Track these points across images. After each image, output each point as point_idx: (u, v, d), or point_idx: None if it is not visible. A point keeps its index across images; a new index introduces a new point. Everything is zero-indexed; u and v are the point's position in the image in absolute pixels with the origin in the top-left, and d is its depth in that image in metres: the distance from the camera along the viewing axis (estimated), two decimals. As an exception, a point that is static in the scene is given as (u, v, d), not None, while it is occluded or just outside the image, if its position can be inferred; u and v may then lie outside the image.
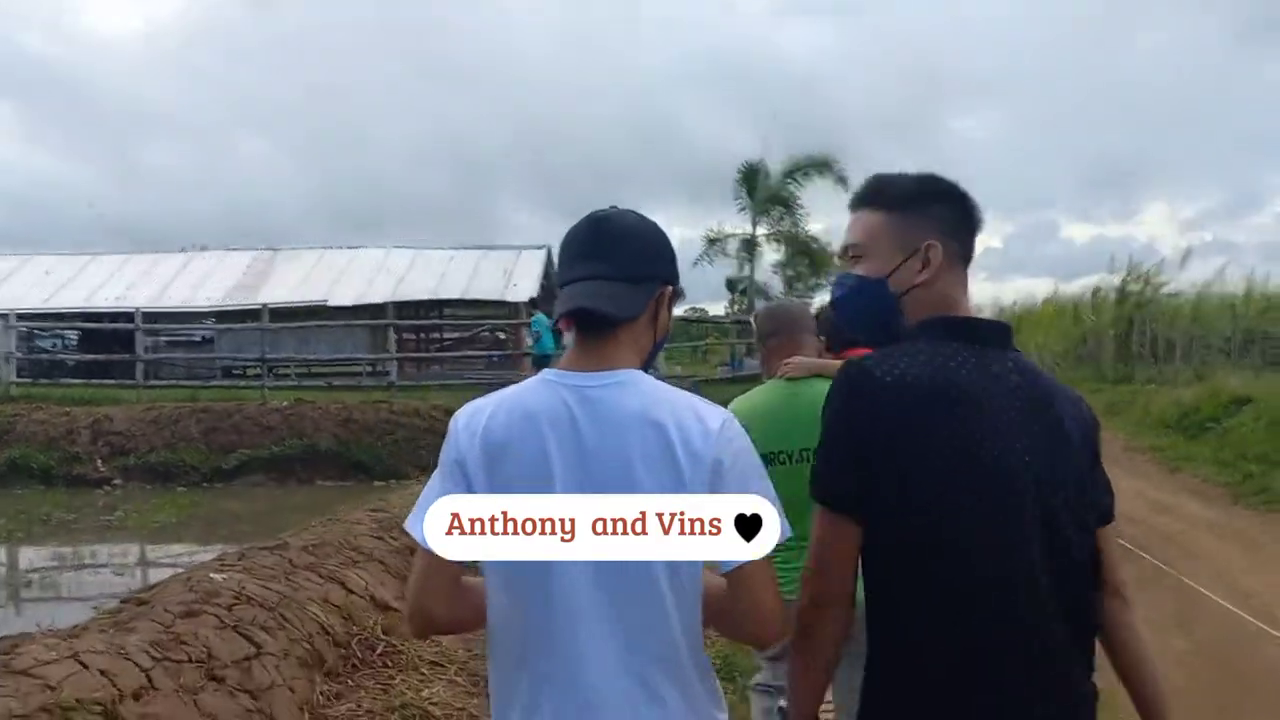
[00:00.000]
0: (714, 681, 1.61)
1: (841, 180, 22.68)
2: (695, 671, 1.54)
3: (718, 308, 32.10)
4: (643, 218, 1.66)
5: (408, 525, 1.55)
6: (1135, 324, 26.18)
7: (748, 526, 1.46)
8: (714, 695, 1.59)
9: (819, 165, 22.68)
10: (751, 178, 22.88)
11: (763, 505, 1.48)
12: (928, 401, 1.52)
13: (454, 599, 1.57)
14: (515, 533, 1.46)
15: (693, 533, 1.45)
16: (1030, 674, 1.50)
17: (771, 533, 1.48)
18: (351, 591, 4.54)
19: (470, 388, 18.83)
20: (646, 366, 1.62)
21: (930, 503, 1.49)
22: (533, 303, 20.57)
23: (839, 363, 3.05)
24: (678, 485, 1.46)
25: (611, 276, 1.56)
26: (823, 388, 2.89)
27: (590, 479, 1.47)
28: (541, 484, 1.48)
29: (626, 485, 1.46)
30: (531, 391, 1.55)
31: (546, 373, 1.57)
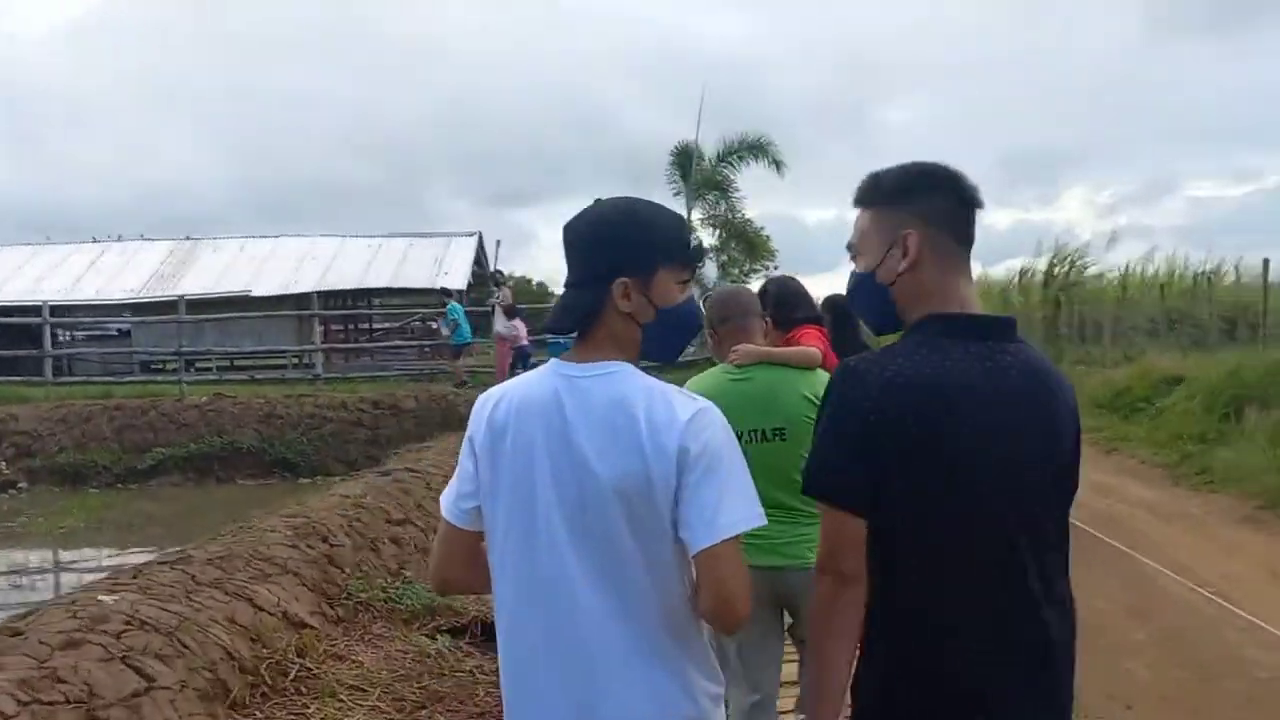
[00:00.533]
0: (705, 656, 1.68)
1: (776, 164, 22.47)
2: (679, 646, 1.61)
3: None
4: (613, 207, 1.72)
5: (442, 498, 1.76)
6: (1062, 306, 26.48)
7: (713, 511, 1.53)
8: (704, 670, 1.66)
9: (753, 148, 22.25)
10: (685, 161, 22.30)
11: (731, 492, 1.56)
12: (923, 400, 1.55)
13: (468, 565, 1.74)
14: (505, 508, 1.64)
15: (658, 516, 1.56)
16: (1025, 665, 1.59)
17: (736, 519, 1.55)
18: (261, 609, 4.12)
19: (400, 379, 18.27)
20: (658, 354, 1.71)
21: (930, 489, 1.55)
22: (443, 290, 19.89)
23: (784, 350, 3.25)
24: (642, 470, 1.54)
25: (574, 284, 1.69)
26: (768, 375, 3.06)
27: (569, 462, 1.59)
28: (526, 465, 1.61)
29: (596, 469, 1.57)
30: (534, 380, 1.69)
31: (553, 362, 1.68)
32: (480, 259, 25.91)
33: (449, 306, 17.13)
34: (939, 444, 1.54)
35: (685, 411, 1.57)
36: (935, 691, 1.58)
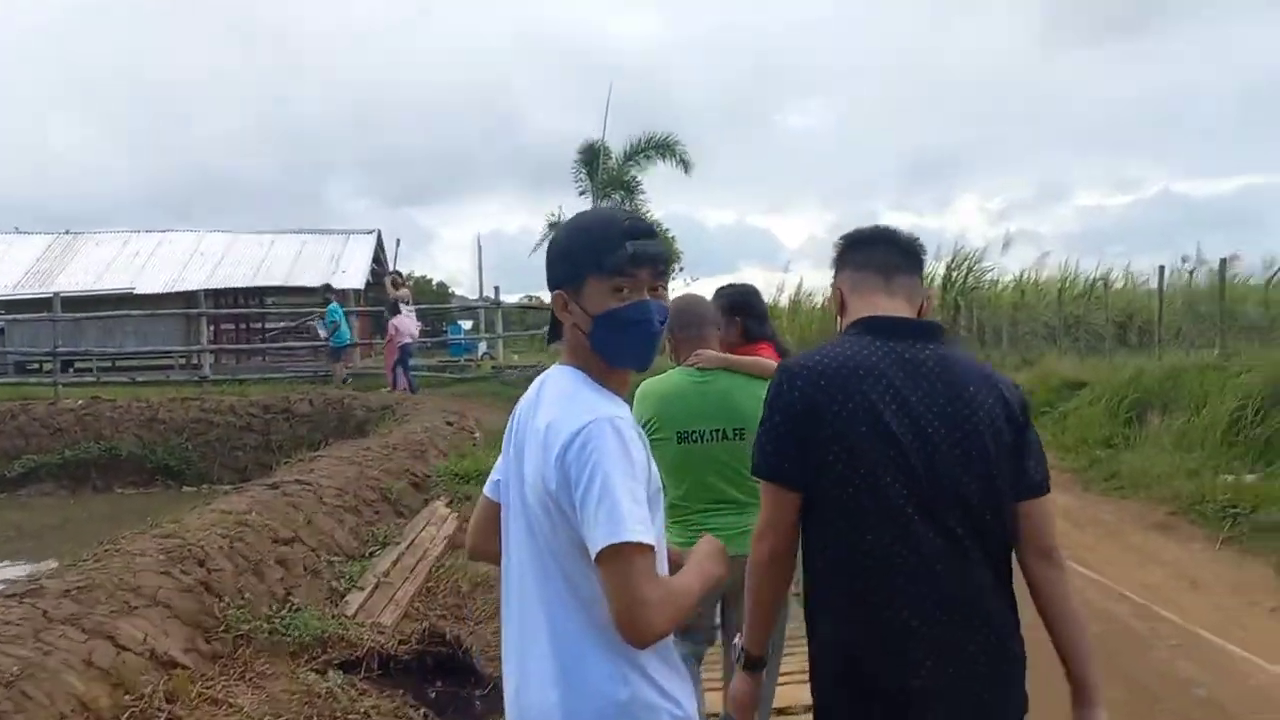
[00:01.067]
0: (655, 655, 1.70)
1: (684, 163, 22.16)
2: (600, 649, 1.66)
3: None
4: (563, 223, 1.93)
5: None
6: (961, 310, 26.90)
7: (590, 525, 1.59)
8: (643, 658, 1.67)
9: (661, 148, 21.94)
10: (592, 159, 21.86)
11: (605, 506, 1.58)
12: (840, 377, 1.85)
13: (491, 534, 1.86)
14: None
15: (560, 521, 1.66)
16: (935, 599, 1.81)
17: (606, 532, 1.57)
18: (124, 648, 3.61)
19: (294, 381, 17.47)
20: (613, 358, 1.76)
21: (845, 460, 1.81)
22: (326, 288, 19.08)
23: (742, 358, 3.39)
24: (541, 477, 1.67)
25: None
26: (728, 380, 3.22)
27: (519, 461, 1.76)
28: (514, 460, 1.79)
29: (520, 475, 1.75)
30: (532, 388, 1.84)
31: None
32: (380, 257, 25.16)
33: (329, 307, 16.40)
34: (844, 418, 1.81)
35: (577, 421, 1.64)
36: (869, 627, 1.82)
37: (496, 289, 18.04)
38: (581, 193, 22.31)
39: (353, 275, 22.43)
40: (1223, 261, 14.47)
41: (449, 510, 7.00)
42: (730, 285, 3.78)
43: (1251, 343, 14.00)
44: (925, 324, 2.00)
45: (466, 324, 30.24)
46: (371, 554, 5.91)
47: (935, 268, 28.39)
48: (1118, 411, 12.22)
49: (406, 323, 15.18)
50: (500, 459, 1.86)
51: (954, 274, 28.00)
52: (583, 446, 1.61)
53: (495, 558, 1.86)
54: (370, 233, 24.95)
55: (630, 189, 22.20)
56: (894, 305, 1.98)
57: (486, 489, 1.92)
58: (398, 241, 26.53)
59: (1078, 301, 25.87)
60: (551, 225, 22.26)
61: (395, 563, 5.80)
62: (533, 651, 1.71)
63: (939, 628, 1.80)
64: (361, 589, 5.32)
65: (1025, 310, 25.10)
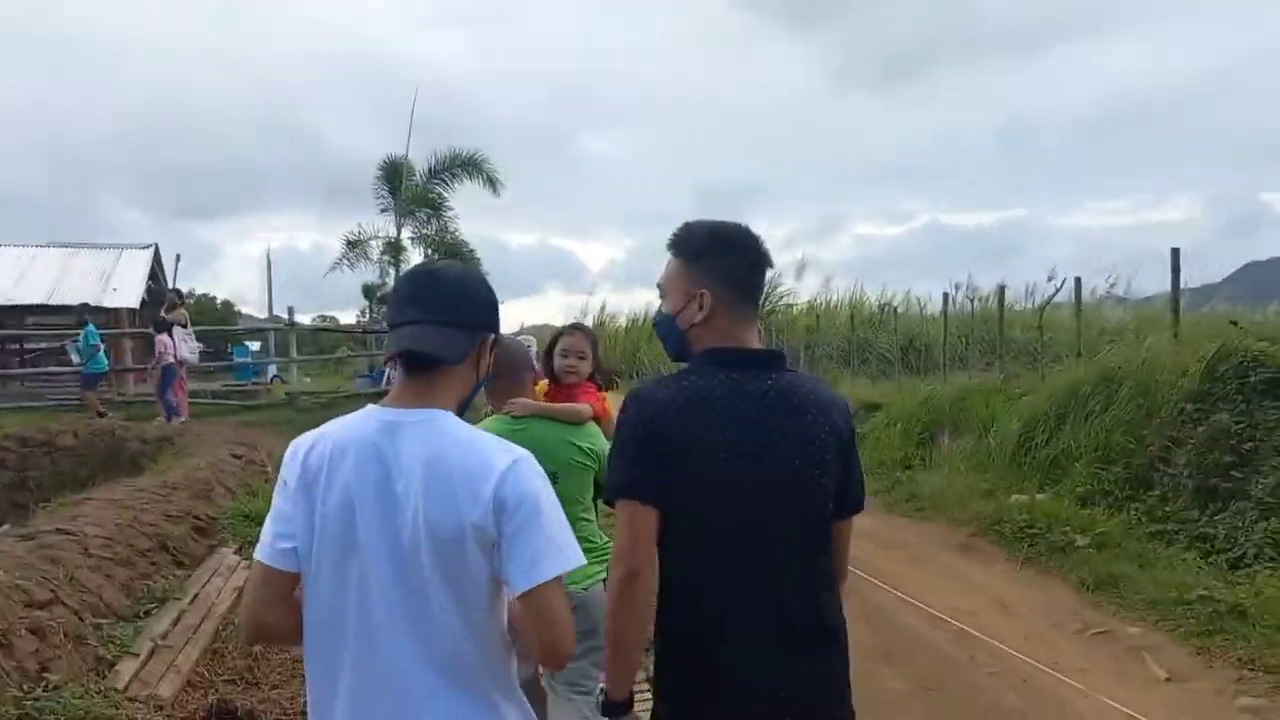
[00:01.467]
0: (513, 687, 1.79)
1: (492, 182, 21.67)
2: (487, 679, 1.73)
3: (349, 316, 29.79)
4: (468, 270, 2.00)
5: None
6: (761, 335, 27.59)
7: (534, 557, 1.65)
8: (513, 699, 1.77)
9: (467, 166, 21.34)
10: (394, 176, 20.95)
11: (550, 538, 1.67)
12: (683, 413, 1.93)
13: (284, 609, 1.73)
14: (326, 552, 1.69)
15: (474, 560, 1.67)
16: (779, 619, 1.93)
17: (558, 563, 1.66)
18: None
19: (57, 410, 15.83)
20: (465, 406, 1.82)
21: (692, 488, 1.91)
22: (84, 308, 17.59)
23: (557, 405, 3.43)
24: (456, 519, 1.65)
25: (439, 322, 1.75)
26: (541, 428, 3.28)
27: (385, 507, 1.67)
28: (346, 510, 1.67)
29: (414, 516, 1.66)
30: (351, 424, 1.75)
31: (371, 408, 1.77)
32: (158, 274, 23.40)
33: (85, 329, 14.54)
34: (691, 449, 1.89)
35: (502, 461, 1.68)
36: (705, 644, 1.92)
37: (290, 309, 17.00)
38: (383, 210, 21.47)
39: (126, 293, 20.70)
40: (1000, 288, 15.35)
41: (239, 558, 6.34)
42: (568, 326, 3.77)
43: (1025, 366, 14.90)
44: (770, 355, 2.09)
45: (254, 345, 28.58)
46: (147, 613, 5.23)
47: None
48: (911, 433, 12.70)
49: (169, 342, 13.90)
50: (288, 518, 1.72)
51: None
52: (518, 482, 1.66)
53: (289, 636, 1.76)
54: (146, 248, 23.14)
55: (435, 207, 21.46)
56: (751, 332, 2.06)
57: (270, 558, 1.72)
58: (178, 257, 24.80)
59: (865, 326, 27.07)
60: (352, 244, 21.34)
61: (175, 622, 5.16)
62: (409, 704, 1.68)
63: (788, 651, 1.94)
64: (135, 655, 4.68)
65: (820, 334, 25.99)
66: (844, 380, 20.09)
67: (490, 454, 1.68)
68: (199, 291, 40.96)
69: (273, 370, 24.19)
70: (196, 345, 14.76)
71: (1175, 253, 11.44)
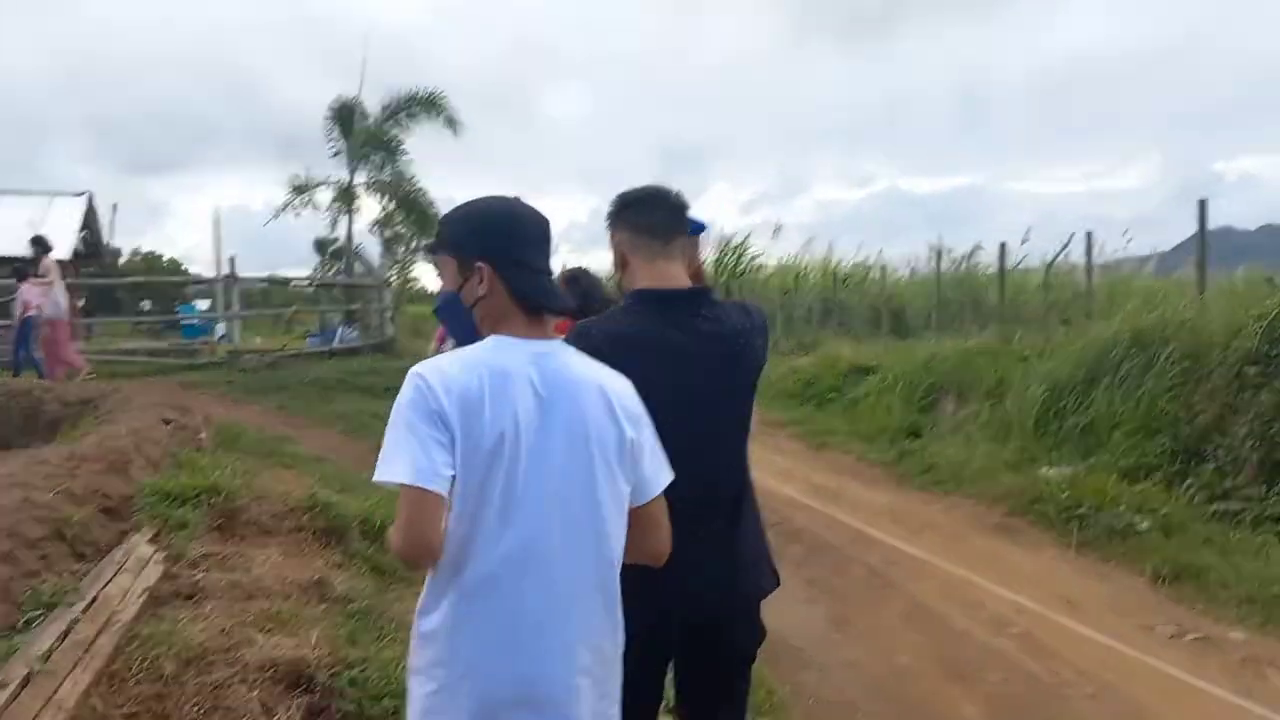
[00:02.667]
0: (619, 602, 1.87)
1: (451, 123, 19.96)
2: (615, 592, 1.85)
3: (302, 272, 27.97)
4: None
5: (380, 475, 1.68)
6: (731, 295, 26.70)
7: (657, 468, 1.88)
8: (619, 614, 1.87)
9: (425, 104, 19.63)
10: (346, 117, 19.18)
11: (658, 449, 1.90)
12: (623, 344, 2.13)
13: (440, 530, 1.71)
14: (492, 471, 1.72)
15: (632, 465, 1.84)
16: (714, 521, 2.24)
17: (665, 472, 1.90)
18: None
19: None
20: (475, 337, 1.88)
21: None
22: (24, 255, 16.10)
23: None
24: (619, 434, 1.82)
25: (546, 271, 1.93)
26: None
27: (554, 428, 1.76)
28: (514, 433, 1.72)
29: (581, 434, 1.78)
30: (493, 354, 1.79)
31: (502, 338, 1.82)
32: (92, 224, 21.83)
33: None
34: (638, 373, 1.94)
35: (625, 383, 1.89)
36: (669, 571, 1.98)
37: (232, 259, 15.55)
38: (335, 154, 19.75)
39: (57, 244, 19.10)
40: (1002, 246, 14.42)
41: (153, 548, 5.19)
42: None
43: (1027, 329, 13.99)
44: (695, 291, 2.32)
45: (203, 304, 27.00)
46: (28, 624, 4.09)
47: (704, 253, 28.23)
48: (913, 399, 11.76)
49: (33, 292, 12.57)
50: (445, 445, 1.69)
51: (724, 259, 27.83)
52: (638, 400, 1.89)
53: (438, 557, 1.74)
54: (79, 195, 21.53)
55: (391, 150, 19.77)
56: (672, 268, 2.28)
57: (433, 484, 1.66)
58: (114, 207, 23.34)
59: (840, 288, 26.17)
60: (298, 189, 19.67)
61: (63, 637, 4.01)
62: (576, 610, 1.77)
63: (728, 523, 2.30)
64: (3, 687, 3.55)
65: (790, 295, 25.04)
66: (825, 341, 19.16)
67: (616, 375, 1.89)
68: (146, 249, 39.04)
69: (221, 329, 22.78)
70: (63, 298, 13.21)
71: (1203, 205, 10.58)
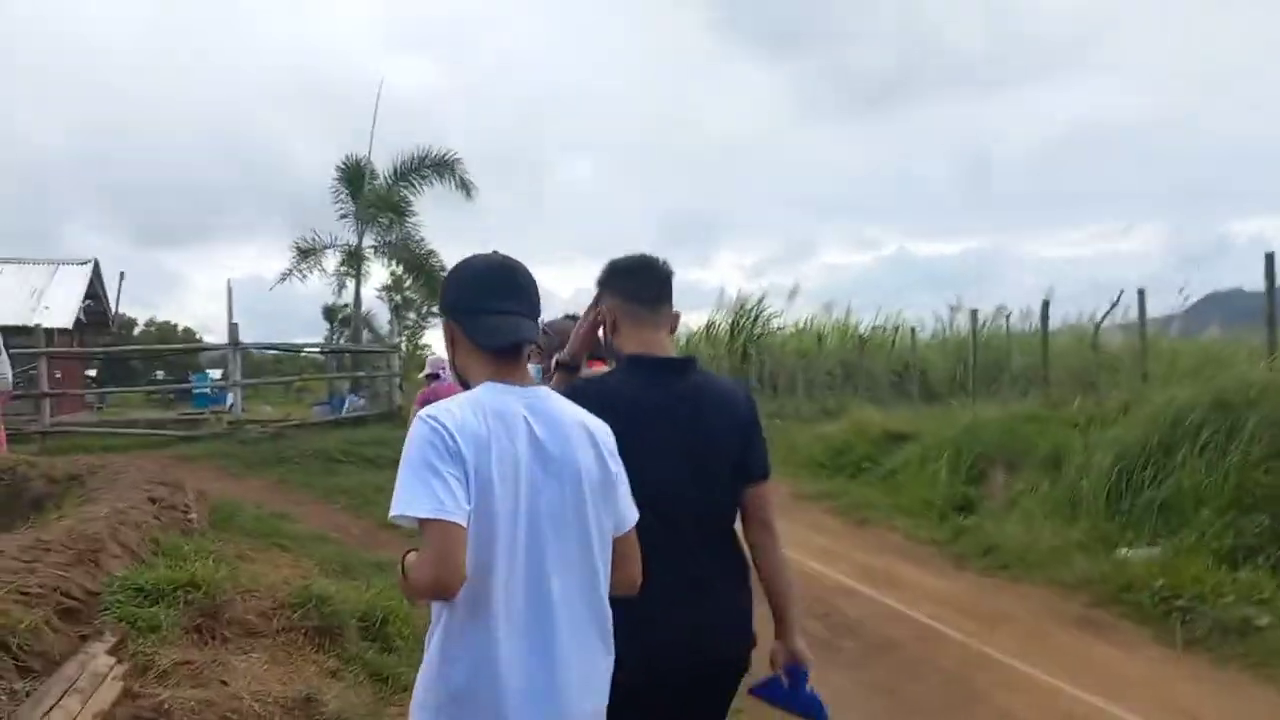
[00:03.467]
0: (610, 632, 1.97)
1: (465, 186, 19.24)
2: (607, 621, 1.94)
3: (313, 340, 27.20)
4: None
5: (400, 510, 1.73)
6: (751, 358, 26.04)
7: (628, 501, 1.99)
8: (612, 644, 1.96)
9: (437, 166, 18.96)
10: (355, 178, 18.42)
11: (628, 488, 2.00)
12: (617, 408, 2.13)
13: (465, 560, 1.74)
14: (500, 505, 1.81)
15: (612, 502, 1.95)
16: (698, 565, 2.32)
17: (635, 509, 2.00)
18: None
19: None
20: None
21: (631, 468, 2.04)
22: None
23: None
24: (603, 470, 1.94)
25: (527, 314, 2.00)
26: None
27: (548, 467, 1.87)
28: (515, 472, 1.82)
29: (574, 472, 1.89)
30: (488, 397, 1.88)
31: (492, 385, 1.91)
32: (98, 294, 21.30)
33: None
34: (625, 440, 2.03)
35: (603, 424, 2.00)
36: (651, 621, 2.13)
37: (234, 326, 14.88)
38: (342, 216, 19.07)
39: (59, 312, 18.59)
40: (1045, 305, 13.69)
41: (113, 660, 4.41)
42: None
43: (1072, 392, 13.20)
44: (683, 360, 2.45)
45: (216, 373, 26.35)
46: (-55, 768, 3.32)
47: (716, 316, 27.74)
48: (959, 469, 10.94)
49: None
50: (456, 484, 1.75)
51: (741, 321, 27.19)
52: (612, 437, 1.99)
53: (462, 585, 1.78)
54: (85, 264, 21.03)
55: (399, 211, 18.99)
56: (659, 335, 2.43)
57: (460, 518, 1.73)
58: (121, 275, 22.76)
59: (855, 350, 25.49)
60: (304, 252, 18.94)
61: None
62: (575, 642, 1.86)
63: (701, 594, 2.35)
64: None
65: (821, 358, 24.30)
66: (849, 406, 18.36)
67: (593, 417, 2.00)
68: (162, 318, 38.65)
69: (231, 398, 22.10)
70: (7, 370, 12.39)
71: (1270, 259, 9.86)
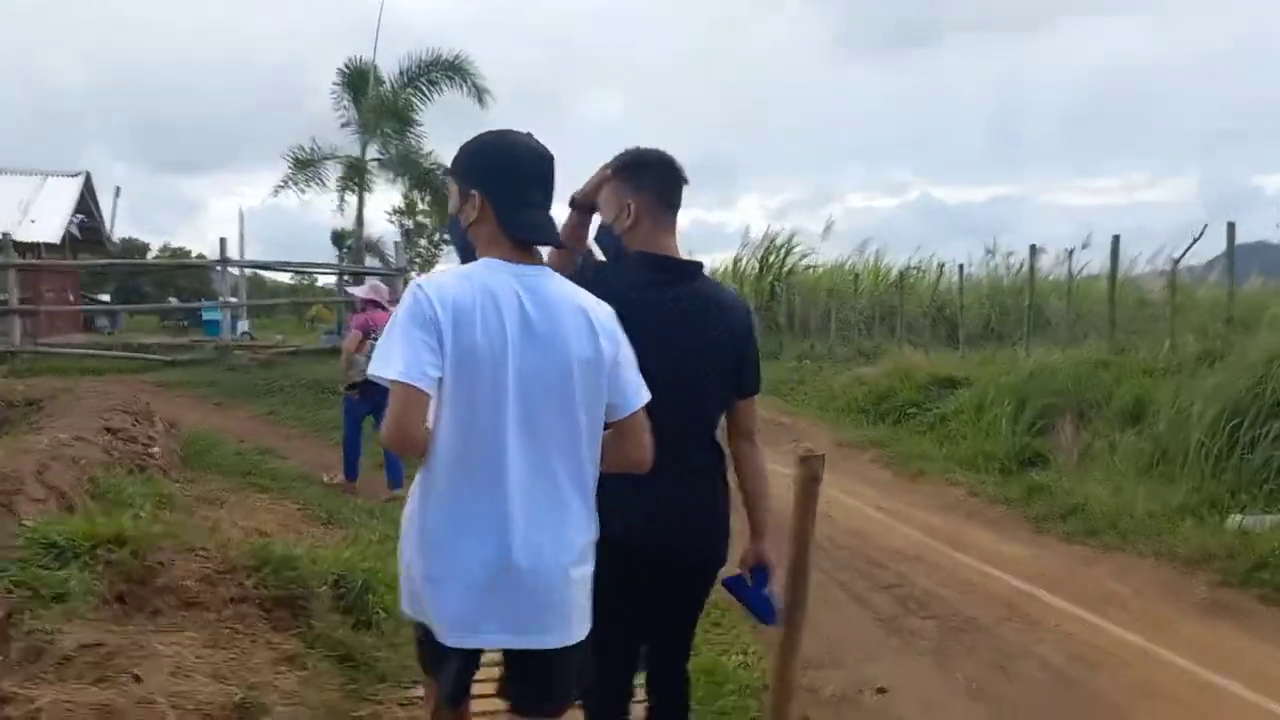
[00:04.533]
0: (594, 503, 2.07)
1: (479, 92, 17.40)
2: (590, 491, 2.04)
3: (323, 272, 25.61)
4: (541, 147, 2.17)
5: (375, 370, 1.89)
6: (779, 296, 24.88)
7: (637, 384, 2.07)
8: (594, 515, 2.07)
9: (448, 69, 17.11)
10: (359, 82, 16.95)
11: (636, 371, 2.08)
12: (614, 297, 2.18)
13: (424, 426, 1.91)
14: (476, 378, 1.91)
15: (603, 385, 2.02)
16: (684, 465, 2.39)
17: (644, 391, 2.08)
18: None
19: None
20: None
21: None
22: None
23: None
24: (596, 351, 2.00)
25: (544, 205, 2.09)
26: None
27: (537, 343, 1.95)
28: (500, 344, 1.92)
29: (563, 350, 1.96)
30: (484, 274, 1.99)
31: (493, 262, 2.01)
32: (90, 209, 20.21)
33: None
34: (631, 328, 2.13)
35: (605, 306, 2.08)
36: (625, 503, 2.22)
37: (223, 240, 13.56)
38: (344, 124, 17.40)
39: (46, 226, 17.51)
40: (1115, 239, 12.39)
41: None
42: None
43: (1143, 338, 12.01)
44: (690, 264, 2.52)
45: (233, 299, 25.34)
46: None
47: (745, 253, 26.65)
48: (1021, 419, 9.81)
49: None
50: (434, 349, 1.88)
51: (771, 258, 25.96)
52: (618, 324, 2.07)
53: (423, 450, 1.93)
54: (75, 175, 19.85)
55: (405, 120, 17.38)
56: (672, 239, 2.51)
57: (421, 383, 1.86)
58: (117, 190, 21.66)
59: (891, 291, 24.18)
60: (302, 164, 17.40)
61: None
62: (548, 502, 1.97)
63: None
64: None
65: (842, 298, 23.04)
66: (887, 349, 17.19)
67: (595, 299, 2.08)
68: (176, 244, 37.75)
69: (242, 327, 21.09)
70: None
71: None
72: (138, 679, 3.27)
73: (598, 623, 2.11)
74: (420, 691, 2.69)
